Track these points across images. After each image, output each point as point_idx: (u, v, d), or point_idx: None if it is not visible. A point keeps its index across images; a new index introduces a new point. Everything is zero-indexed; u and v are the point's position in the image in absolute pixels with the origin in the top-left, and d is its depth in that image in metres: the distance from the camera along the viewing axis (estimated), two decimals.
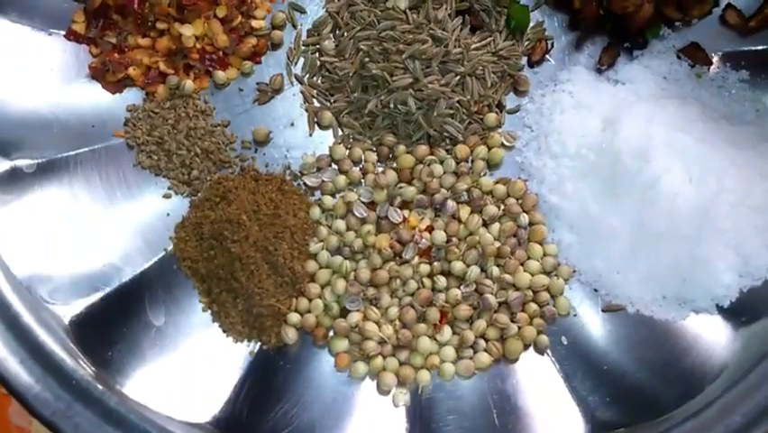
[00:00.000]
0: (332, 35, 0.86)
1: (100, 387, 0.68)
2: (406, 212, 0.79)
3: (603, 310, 0.77)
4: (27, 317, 0.70)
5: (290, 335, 0.75)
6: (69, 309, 0.73)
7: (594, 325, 0.77)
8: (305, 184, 0.81)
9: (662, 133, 0.78)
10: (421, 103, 0.82)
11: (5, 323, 0.69)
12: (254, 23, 0.86)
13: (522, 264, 0.78)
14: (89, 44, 0.84)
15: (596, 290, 0.78)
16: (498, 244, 0.78)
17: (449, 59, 0.82)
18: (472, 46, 0.84)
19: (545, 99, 0.84)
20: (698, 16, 0.86)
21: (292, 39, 0.86)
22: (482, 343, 0.75)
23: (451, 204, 0.78)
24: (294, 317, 0.76)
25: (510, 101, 0.85)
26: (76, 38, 0.84)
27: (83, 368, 0.69)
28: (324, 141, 0.83)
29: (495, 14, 0.85)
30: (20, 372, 0.67)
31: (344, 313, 0.77)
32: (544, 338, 0.76)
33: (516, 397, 0.74)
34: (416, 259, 0.78)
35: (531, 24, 0.86)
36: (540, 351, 0.76)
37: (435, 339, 0.76)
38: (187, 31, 0.83)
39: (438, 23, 0.83)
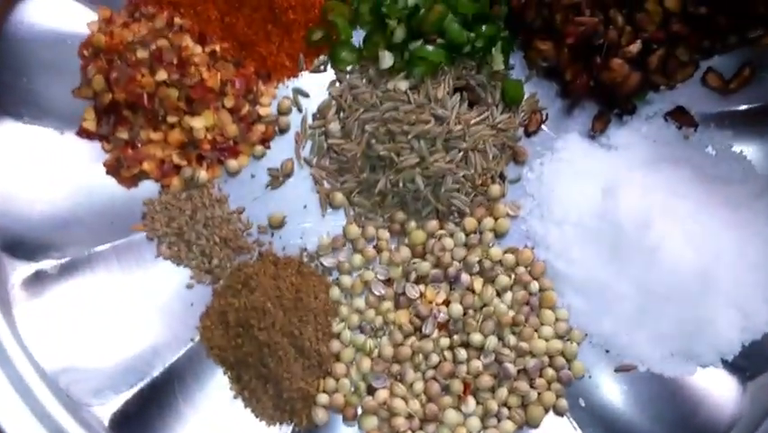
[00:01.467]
0: (337, 118, 0.89)
1: None
2: (421, 287, 0.83)
3: (616, 370, 0.81)
4: (68, 421, 0.71)
5: (320, 415, 0.78)
6: (107, 409, 0.75)
7: (608, 385, 0.80)
8: (322, 265, 0.84)
9: (660, 199, 0.82)
10: (428, 180, 0.85)
11: (50, 428, 0.70)
12: (261, 111, 0.89)
13: (536, 331, 0.81)
14: (102, 141, 0.86)
15: (607, 351, 0.82)
16: (512, 313, 0.81)
17: (451, 136, 0.86)
18: (471, 121, 0.88)
19: (544, 168, 0.88)
20: (681, 80, 0.90)
21: (299, 123, 0.89)
22: (505, 411, 0.79)
23: (465, 277, 0.82)
24: (323, 398, 0.79)
25: (511, 171, 0.88)
26: (88, 135, 0.86)
27: None
28: (337, 221, 0.86)
29: (490, 89, 0.89)
30: None
31: (371, 390, 0.80)
32: (563, 402, 0.79)
33: None
34: (436, 333, 0.81)
35: (525, 97, 0.90)
36: (560, 414, 0.79)
37: (461, 410, 0.79)
38: (198, 123, 0.86)
39: (438, 102, 0.87)
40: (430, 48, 0.85)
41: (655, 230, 0.80)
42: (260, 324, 0.78)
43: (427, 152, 0.85)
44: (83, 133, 0.86)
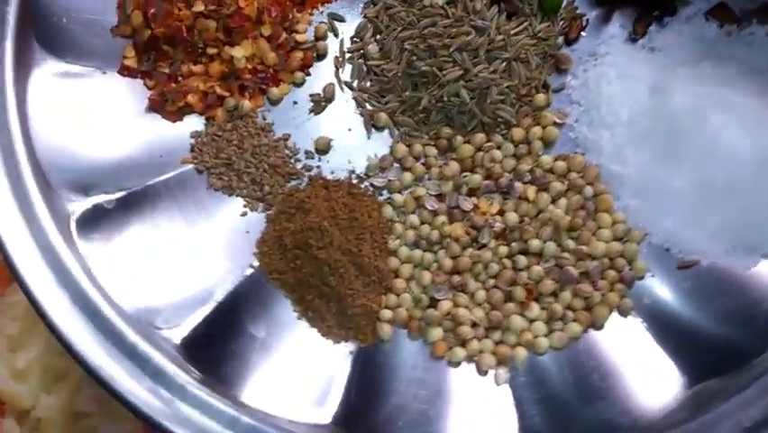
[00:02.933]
0: (374, 39, 0.88)
1: (226, 401, 0.70)
2: (474, 199, 0.82)
3: (678, 268, 0.80)
4: (143, 344, 0.72)
5: (386, 330, 0.78)
6: (178, 332, 0.75)
7: (671, 283, 0.80)
8: (372, 185, 0.84)
9: (711, 92, 0.81)
10: (473, 93, 0.85)
11: (125, 352, 0.71)
12: (298, 38, 0.88)
13: (594, 234, 0.81)
14: (144, 78, 0.86)
15: (668, 250, 0.81)
16: (569, 218, 0.80)
17: (493, 46, 0.85)
18: (512, 32, 0.87)
19: (589, 74, 0.87)
20: None
21: (336, 48, 0.88)
22: (570, 314, 0.78)
23: (518, 185, 0.81)
24: (386, 314, 0.78)
25: (554, 80, 0.87)
26: (129, 73, 0.86)
27: (202, 385, 0.71)
28: (382, 141, 0.86)
29: None
30: (149, 398, 0.69)
31: (434, 303, 0.79)
32: (628, 301, 0.79)
33: (610, 361, 0.77)
34: (493, 242, 0.80)
35: (563, 4, 0.89)
36: (624, 313, 0.79)
37: (525, 316, 0.78)
38: (238, 53, 0.85)
39: (477, 14, 0.86)
40: None
41: (710, 122, 0.79)
42: (319, 243, 0.77)
43: (470, 63, 0.84)
44: (125, 71, 0.86)
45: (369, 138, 0.86)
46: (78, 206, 0.78)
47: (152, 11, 0.85)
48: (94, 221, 0.78)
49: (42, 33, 0.82)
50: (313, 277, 0.78)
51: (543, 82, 0.87)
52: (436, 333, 0.78)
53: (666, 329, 0.78)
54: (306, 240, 0.78)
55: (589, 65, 0.88)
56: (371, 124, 0.87)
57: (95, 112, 0.83)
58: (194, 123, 0.85)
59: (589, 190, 0.82)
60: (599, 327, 0.79)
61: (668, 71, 0.85)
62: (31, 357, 0.84)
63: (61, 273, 0.73)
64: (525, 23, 0.87)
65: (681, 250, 0.81)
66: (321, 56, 0.88)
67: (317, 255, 0.77)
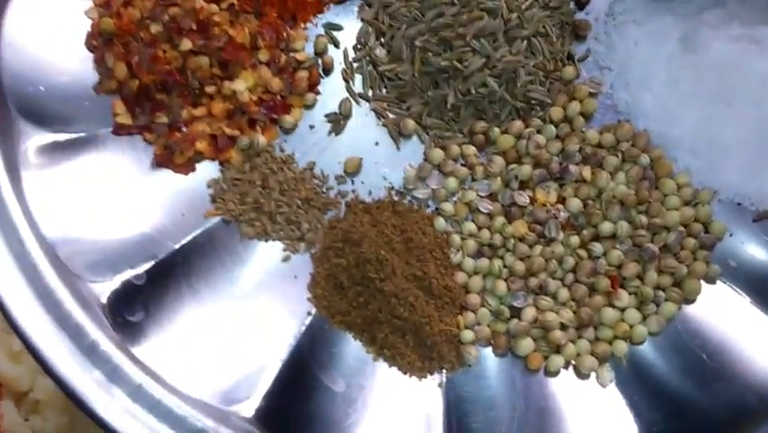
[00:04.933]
0: (379, 43, 0.82)
1: None
2: (528, 192, 0.76)
3: (754, 221, 0.76)
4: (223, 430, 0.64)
5: (472, 354, 0.72)
6: (250, 404, 0.68)
7: (753, 238, 0.75)
8: (415, 198, 0.77)
9: (749, 31, 0.76)
10: (499, 79, 0.78)
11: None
12: (299, 56, 0.81)
13: (661, 203, 0.75)
14: (142, 133, 0.78)
15: (739, 204, 0.76)
16: (633, 192, 0.75)
17: (510, 26, 0.79)
18: (523, 6, 0.80)
19: (612, 36, 0.82)
20: None
21: (341, 59, 0.81)
22: (661, 293, 0.73)
23: (573, 168, 0.76)
24: (468, 335, 0.72)
25: (576, 49, 0.82)
26: (125, 131, 0.78)
27: None
28: (414, 149, 0.79)
29: None
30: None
31: (515, 312, 0.73)
32: (715, 267, 0.74)
33: (714, 336, 0.72)
34: (562, 234, 0.74)
35: None
36: (713, 280, 0.74)
37: (615, 306, 0.72)
38: (239, 86, 0.78)
39: None
40: None
41: (753, 65, 0.75)
42: (380, 275, 0.71)
43: (491, 49, 0.78)
44: (120, 130, 0.77)
45: (399, 149, 0.79)
46: (106, 286, 0.69)
47: (136, 59, 0.76)
48: (126, 301, 0.70)
49: (23, 106, 0.73)
50: (381, 312, 0.71)
51: (566, 53, 0.81)
52: (527, 344, 0.72)
53: (762, 288, 0.73)
54: (365, 274, 0.71)
55: (609, 26, 0.83)
56: (399, 133, 0.79)
57: (97, 182, 0.74)
58: (207, 169, 0.77)
59: (644, 158, 0.76)
60: (692, 301, 0.73)
61: (693, 19, 0.80)
62: None
63: (112, 373, 0.64)
64: None
65: (753, 201, 0.77)
66: (327, 71, 0.81)
67: (382, 288, 0.71)
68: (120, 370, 0.65)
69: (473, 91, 0.78)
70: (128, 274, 0.71)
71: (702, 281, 0.74)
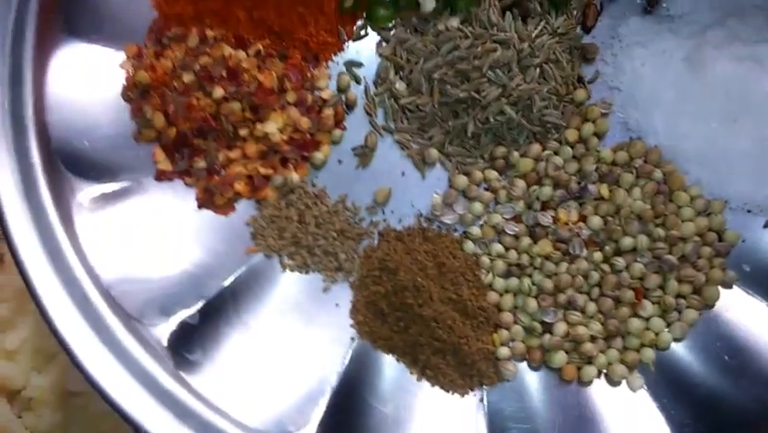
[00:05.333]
0: (398, 77, 0.86)
1: None
2: (551, 212, 0.80)
3: (765, 226, 0.80)
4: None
5: (510, 369, 0.76)
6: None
7: (765, 242, 0.79)
8: (443, 224, 0.82)
9: (746, 50, 0.81)
10: (515, 107, 0.83)
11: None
12: (323, 95, 0.85)
13: (676, 215, 0.80)
14: (182, 177, 0.82)
15: (749, 211, 0.81)
16: (649, 206, 0.79)
17: (522, 55, 0.83)
18: (533, 35, 0.85)
19: (619, 57, 0.86)
20: None
21: (362, 94, 0.85)
22: (682, 301, 0.77)
23: (592, 187, 0.80)
24: (504, 351, 0.77)
25: (585, 71, 0.86)
26: (166, 177, 0.82)
27: None
28: (439, 176, 0.83)
29: None
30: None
31: (547, 327, 0.77)
32: (731, 273, 0.78)
33: (734, 336, 0.76)
34: (585, 251, 0.79)
35: None
36: (729, 286, 0.78)
37: (641, 316, 0.77)
38: (271, 127, 0.82)
39: (495, 27, 0.84)
40: None
41: (758, 81, 0.79)
42: (418, 301, 0.75)
43: (507, 79, 0.82)
44: (161, 176, 0.81)
45: (424, 177, 0.83)
46: (165, 329, 0.74)
47: (172, 108, 0.81)
48: (184, 341, 0.74)
49: (70, 162, 0.77)
50: (422, 336, 0.75)
51: (577, 76, 0.86)
52: (561, 358, 0.76)
53: None
54: (403, 300, 0.75)
55: (616, 48, 0.86)
56: (422, 162, 0.84)
57: (144, 228, 0.78)
58: (243, 207, 0.81)
59: (658, 173, 0.81)
60: (712, 307, 0.78)
61: (696, 37, 0.84)
62: (21, 337, 0.82)
63: (178, 410, 0.69)
64: (542, 23, 0.86)
65: (762, 209, 0.81)
66: (350, 107, 0.85)
67: (420, 313, 0.75)
68: (188, 408, 0.69)
69: (492, 119, 0.83)
70: (183, 315, 0.76)
71: (720, 287, 0.78)
